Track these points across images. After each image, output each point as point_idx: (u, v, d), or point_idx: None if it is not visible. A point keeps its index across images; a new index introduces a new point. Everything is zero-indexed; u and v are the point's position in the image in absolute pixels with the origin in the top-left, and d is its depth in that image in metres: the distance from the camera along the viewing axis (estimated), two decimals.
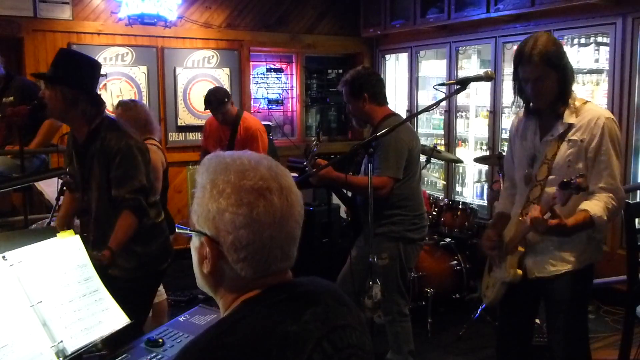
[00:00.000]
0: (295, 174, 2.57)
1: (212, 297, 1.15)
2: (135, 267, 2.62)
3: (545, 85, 2.29)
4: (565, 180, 2.03)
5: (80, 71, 2.54)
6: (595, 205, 2.20)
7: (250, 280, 1.08)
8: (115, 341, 1.89)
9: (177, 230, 1.15)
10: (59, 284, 1.78)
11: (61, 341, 1.66)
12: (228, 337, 0.99)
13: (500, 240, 2.51)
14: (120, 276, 2.58)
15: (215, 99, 4.57)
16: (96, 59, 5.36)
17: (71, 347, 1.68)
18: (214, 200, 1.05)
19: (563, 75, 2.29)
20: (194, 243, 1.12)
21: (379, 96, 3.19)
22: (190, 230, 1.11)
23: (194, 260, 1.13)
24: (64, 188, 3.20)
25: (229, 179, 1.05)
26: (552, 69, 2.26)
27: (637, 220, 3.00)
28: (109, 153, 2.52)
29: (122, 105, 3.65)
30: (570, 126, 2.31)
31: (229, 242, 1.05)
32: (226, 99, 4.58)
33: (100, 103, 2.63)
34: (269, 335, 0.99)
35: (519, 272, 2.40)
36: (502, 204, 2.67)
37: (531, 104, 2.43)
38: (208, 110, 4.72)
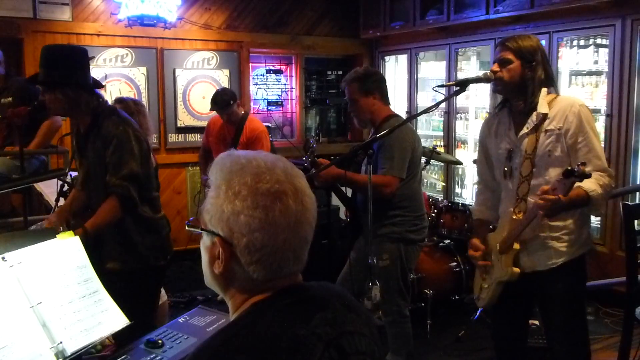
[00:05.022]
0: None
1: (220, 297, 1.15)
2: (133, 260, 2.61)
3: (507, 69, 2.38)
4: (569, 168, 2.05)
5: (73, 67, 2.52)
6: (588, 182, 2.22)
7: (261, 282, 1.07)
8: (126, 338, 1.90)
9: (187, 228, 1.14)
10: (58, 285, 1.78)
11: (61, 342, 1.66)
12: (238, 340, 1.00)
13: (486, 247, 2.54)
14: (119, 269, 2.57)
15: (221, 99, 4.62)
16: (95, 59, 5.43)
17: (71, 348, 1.68)
18: (229, 202, 1.04)
19: (529, 69, 2.37)
20: (205, 242, 1.11)
21: (386, 96, 3.22)
22: (202, 229, 1.10)
23: (204, 259, 1.12)
24: (64, 189, 3.19)
25: (245, 181, 1.05)
26: (520, 59, 2.37)
27: (636, 221, 3.00)
28: (105, 139, 2.50)
29: (124, 105, 3.64)
30: (544, 117, 2.37)
31: (242, 245, 1.04)
32: (232, 101, 4.63)
33: (98, 88, 2.63)
34: (278, 339, 0.98)
35: (517, 270, 2.42)
36: (478, 211, 2.68)
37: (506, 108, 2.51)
38: (214, 110, 4.73)
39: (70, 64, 2.53)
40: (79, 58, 2.58)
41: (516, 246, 2.41)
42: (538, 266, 2.42)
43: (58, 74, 2.49)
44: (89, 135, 2.58)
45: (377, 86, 3.17)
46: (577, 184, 2.20)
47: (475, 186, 5.99)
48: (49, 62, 2.52)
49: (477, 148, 2.77)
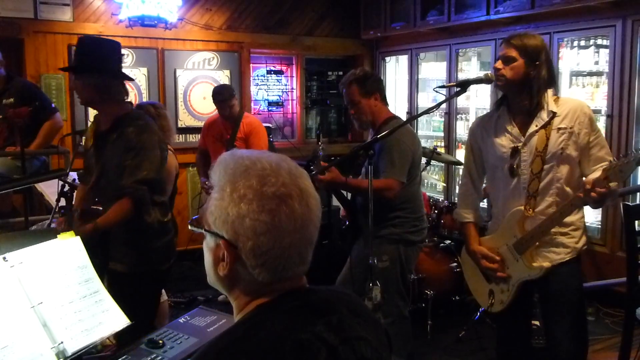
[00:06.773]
0: None
1: (221, 297, 1.15)
2: (137, 263, 2.61)
3: (511, 67, 2.37)
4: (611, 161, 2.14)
5: (105, 56, 2.55)
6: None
7: (266, 284, 1.07)
8: (127, 338, 1.91)
9: (190, 227, 1.14)
10: (59, 285, 1.78)
11: (61, 342, 1.67)
12: (243, 343, 0.99)
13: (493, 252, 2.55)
14: (121, 271, 2.58)
15: (225, 90, 4.73)
16: None
17: (71, 348, 1.68)
18: (234, 205, 1.03)
19: (532, 69, 2.36)
20: (209, 243, 1.10)
21: (385, 97, 3.24)
22: (206, 230, 1.09)
23: (207, 260, 1.12)
24: (65, 189, 3.19)
25: (251, 184, 1.03)
26: (524, 57, 2.36)
27: (636, 222, 3.00)
28: (127, 143, 2.51)
29: (144, 111, 3.63)
30: (554, 114, 2.38)
31: (248, 248, 1.03)
32: (235, 92, 4.81)
33: (127, 80, 2.66)
34: (283, 342, 0.98)
35: (546, 264, 2.43)
36: (468, 213, 2.67)
37: (505, 106, 2.51)
38: (218, 101, 4.70)
39: (103, 52, 2.56)
40: (112, 49, 2.63)
41: (536, 242, 2.43)
42: (546, 262, 2.43)
43: (90, 60, 2.52)
44: (109, 135, 2.59)
45: (377, 87, 3.18)
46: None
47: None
48: (83, 50, 2.57)
49: (466, 150, 2.74)
